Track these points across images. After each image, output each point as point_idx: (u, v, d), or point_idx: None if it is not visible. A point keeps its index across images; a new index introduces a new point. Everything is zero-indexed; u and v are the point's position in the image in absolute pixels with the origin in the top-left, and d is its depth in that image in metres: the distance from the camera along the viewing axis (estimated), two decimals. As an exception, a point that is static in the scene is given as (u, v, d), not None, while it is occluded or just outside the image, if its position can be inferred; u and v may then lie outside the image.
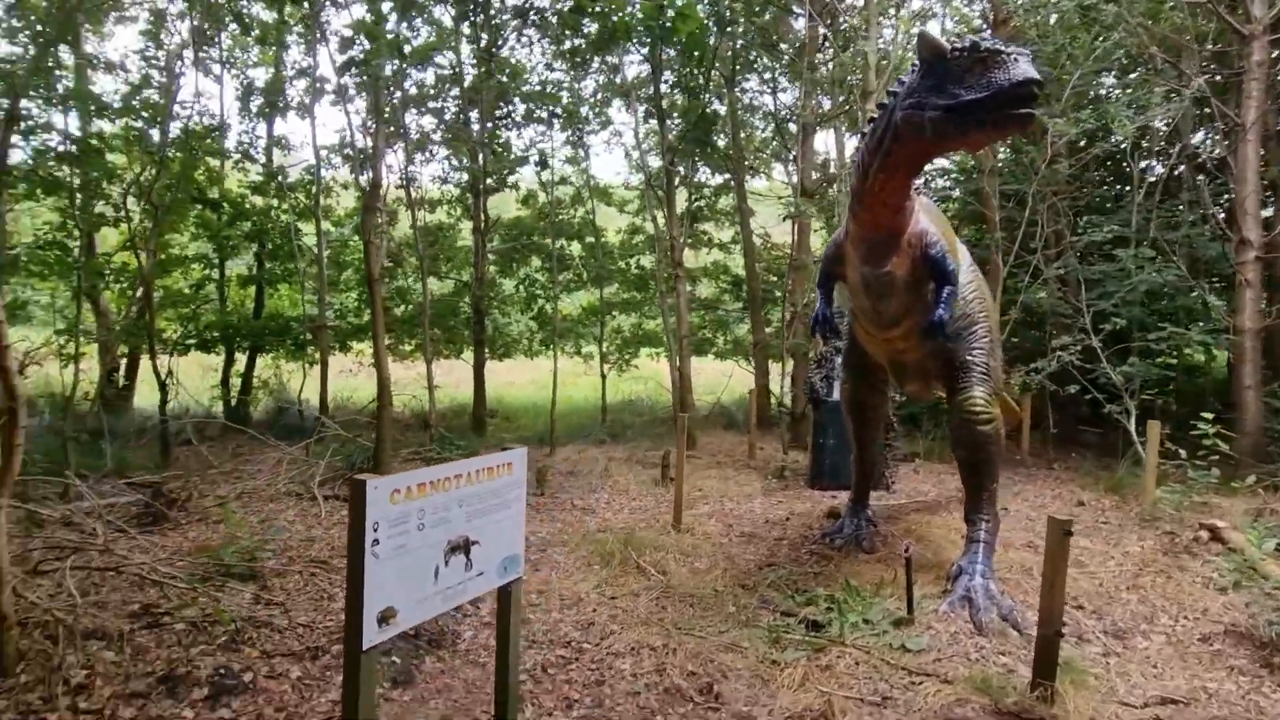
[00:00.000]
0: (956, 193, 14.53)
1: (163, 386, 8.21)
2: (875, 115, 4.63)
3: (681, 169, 13.29)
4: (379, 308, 7.59)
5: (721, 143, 13.46)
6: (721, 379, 15.09)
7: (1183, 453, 7.39)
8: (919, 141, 4.26)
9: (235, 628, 4.10)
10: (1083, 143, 10.74)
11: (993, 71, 3.86)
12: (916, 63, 4.26)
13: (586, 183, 13.11)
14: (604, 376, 12.54)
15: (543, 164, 12.05)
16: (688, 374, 11.34)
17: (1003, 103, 3.85)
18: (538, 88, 13.10)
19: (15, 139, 7.90)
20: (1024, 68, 3.83)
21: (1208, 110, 10.04)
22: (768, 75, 14.48)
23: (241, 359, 12.27)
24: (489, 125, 11.97)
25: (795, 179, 10.86)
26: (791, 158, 10.80)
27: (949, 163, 15.14)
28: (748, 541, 6.73)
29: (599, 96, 13.64)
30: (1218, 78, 10.85)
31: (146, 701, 3.48)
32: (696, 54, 10.66)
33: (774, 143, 15.14)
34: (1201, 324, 10.04)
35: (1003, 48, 3.91)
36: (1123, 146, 10.19)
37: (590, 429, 12.07)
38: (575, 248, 14.23)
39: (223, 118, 11.31)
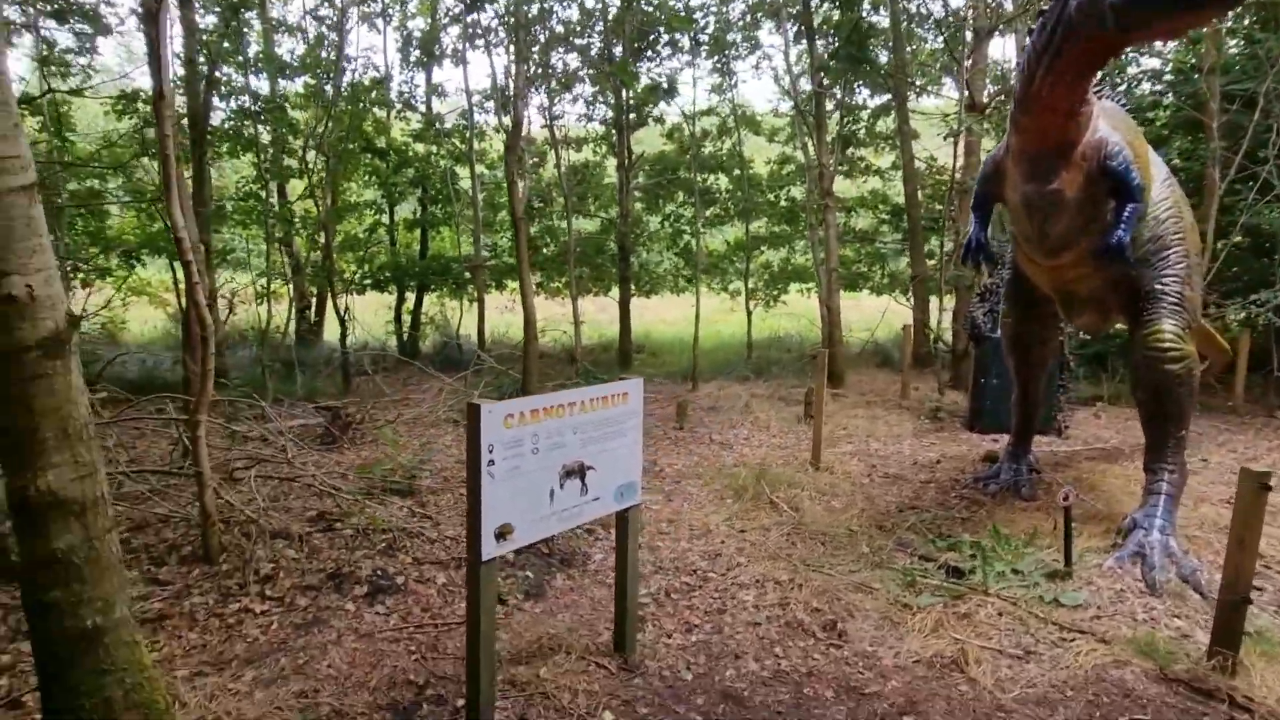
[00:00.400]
0: (1169, 98, 12.47)
1: (342, 323, 9.10)
2: (1045, 7, 4.01)
3: (836, 90, 12.43)
4: (524, 246, 7.86)
5: (882, 59, 12.39)
6: (877, 315, 14.32)
7: None
8: (1097, 35, 3.64)
9: (392, 536, 4.53)
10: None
11: None
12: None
13: (733, 112, 12.63)
14: (749, 312, 12.30)
15: (670, 92, 11.64)
16: (836, 308, 10.83)
17: None
18: (682, 13, 12.67)
19: (215, 101, 8.84)
20: None
21: None
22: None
23: (411, 297, 13.32)
24: (631, 59, 11.78)
25: (964, 92, 9.76)
26: (962, 68, 9.73)
27: (1159, 61, 13.01)
28: (891, 483, 6.43)
29: (747, 19, 12.99)
30: None
31: (318, 594, 3.97)
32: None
33: (943, 56, 13.73)
34: None
35: None
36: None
37: (735, 365, 11.97)
38: (722, 181, 13.87)
39: (386, 69, 11.99)
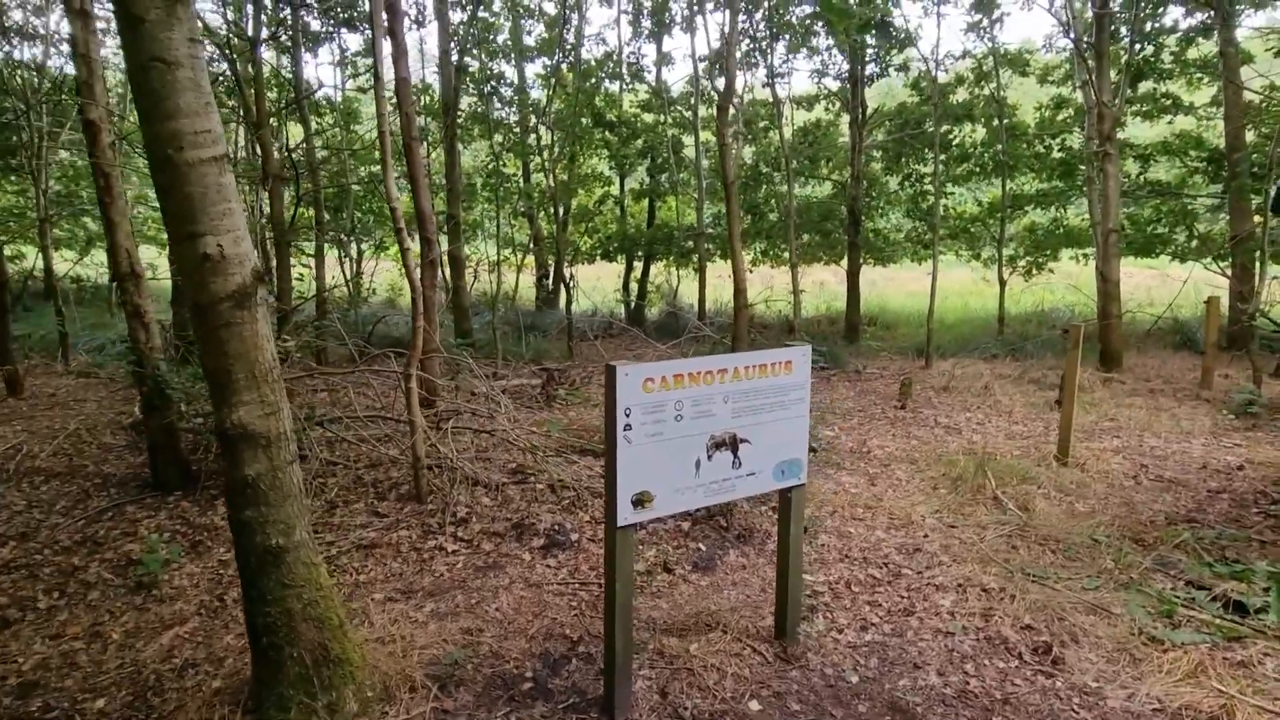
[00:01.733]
0: None
1: (567, 290, 9.62)
2: None
3: (1124, 10, 10.22)
4: (734, 212, 7.61)
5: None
6: (1178, 285, 11.79)
7: None
8: None
9: (574, 494, 4.67)
10: None
11: None
12: None
13: (991, 52, 11.03)
14: (1003, 283, 10.78)
15: (904, 39, 10.26)
16: (1114, 277, 9.03)
17: None
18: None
19: (468, 87, 9.71)
20: None
21: None
22: None
23: (639, 266, 13.71)
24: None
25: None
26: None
27: None
28: (1164, 488, 5.25)
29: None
30: None
31: (501, 540, 4.21)
32: None
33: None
34: None
35: None
36: None
37: (981, 342, 10.63)
38: (979, 133, 12.26)
39: (619, 43, 12.32)
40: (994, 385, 8.25)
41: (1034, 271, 12.05)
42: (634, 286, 13.94)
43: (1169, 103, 11.98)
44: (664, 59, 12.36)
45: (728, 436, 2.94)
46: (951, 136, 12.04)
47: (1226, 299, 9.64)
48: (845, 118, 12.10)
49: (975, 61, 11.61)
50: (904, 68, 11.46)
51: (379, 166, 10.63)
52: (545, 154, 10.41)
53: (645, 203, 13.94)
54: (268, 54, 9.67)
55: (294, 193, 8.64)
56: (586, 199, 13.39)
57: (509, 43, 10.78)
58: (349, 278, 10.25)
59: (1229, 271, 10.41)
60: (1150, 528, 4.49)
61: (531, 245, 11.83)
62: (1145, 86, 11.61)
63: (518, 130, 10.88)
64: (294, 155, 9.08)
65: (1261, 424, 6.89)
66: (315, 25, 9.42)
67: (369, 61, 10.01)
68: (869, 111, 11.68)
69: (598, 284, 12.96)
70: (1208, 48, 11.38)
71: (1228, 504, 4.92)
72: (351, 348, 6.20)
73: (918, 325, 12.50)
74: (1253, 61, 10.86)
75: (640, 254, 13.60)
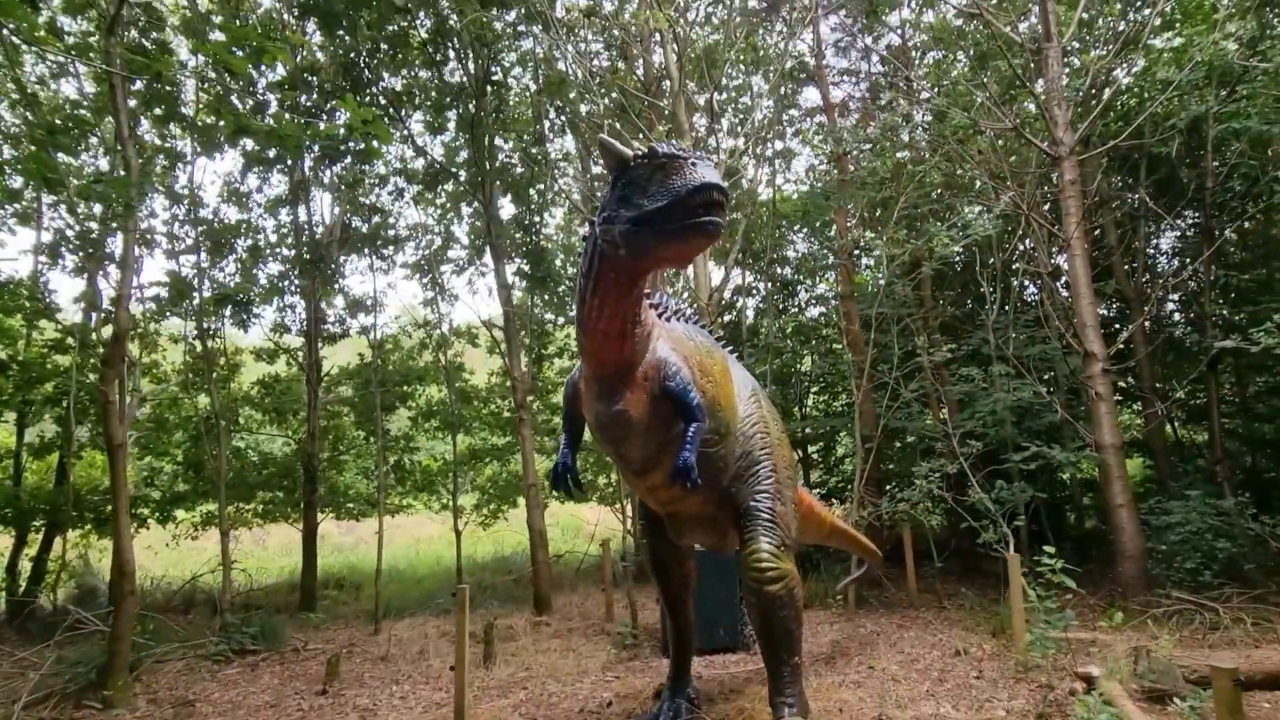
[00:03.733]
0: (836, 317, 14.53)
1: None
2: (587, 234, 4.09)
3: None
4: (119, 477, 6.48)
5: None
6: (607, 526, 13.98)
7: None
8: (620, 261, 3.68)
9: None
10: (922, 265, 10.67)
11: (672, 178, 3.39)
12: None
13: (438, 324, 12.53)
14: (458, 533, 11.32)
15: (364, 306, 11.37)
16: (538, 526, 10.23)
17: (683, 211, 3.34)
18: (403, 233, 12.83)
19: None
20: (703, 172, 3.36)
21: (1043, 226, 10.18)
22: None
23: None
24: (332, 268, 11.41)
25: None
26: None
27: (825, 288, 15.31)
28: (543, 741, 5.51)
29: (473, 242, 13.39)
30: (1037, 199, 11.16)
31: None
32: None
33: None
34: (1068, 442, 9.67)
35: (679, 152, 3.44)
36: (956, 265, 10.20)
37: (440, 594, 10.70)
38: (436, 393, 13.41)
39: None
40: (430, 648, 8.15)
41: (491, 520, 13.03)
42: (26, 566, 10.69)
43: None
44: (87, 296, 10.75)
45: None
46: (413, 393, 12.85)
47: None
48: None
49: (427, 333, 13.02)
50: (365, 330, 12.13)
51: None
52: None
53: (54, 458, 11.22)
54: None
55: None
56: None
57: None
58: None
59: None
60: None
61: None
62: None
63: None
64: None
65: (642, 651, 8.06)
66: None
67: None
68: (328, 369, 11.86)
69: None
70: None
71: (588, 749, 5.36)
72: None
73: (396, 580, 12.15)
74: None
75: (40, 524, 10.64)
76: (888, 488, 9.96)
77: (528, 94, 10.74)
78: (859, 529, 8.71)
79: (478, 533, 12.98)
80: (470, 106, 10.18)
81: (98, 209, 7.36)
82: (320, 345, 11.68)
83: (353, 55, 10.17)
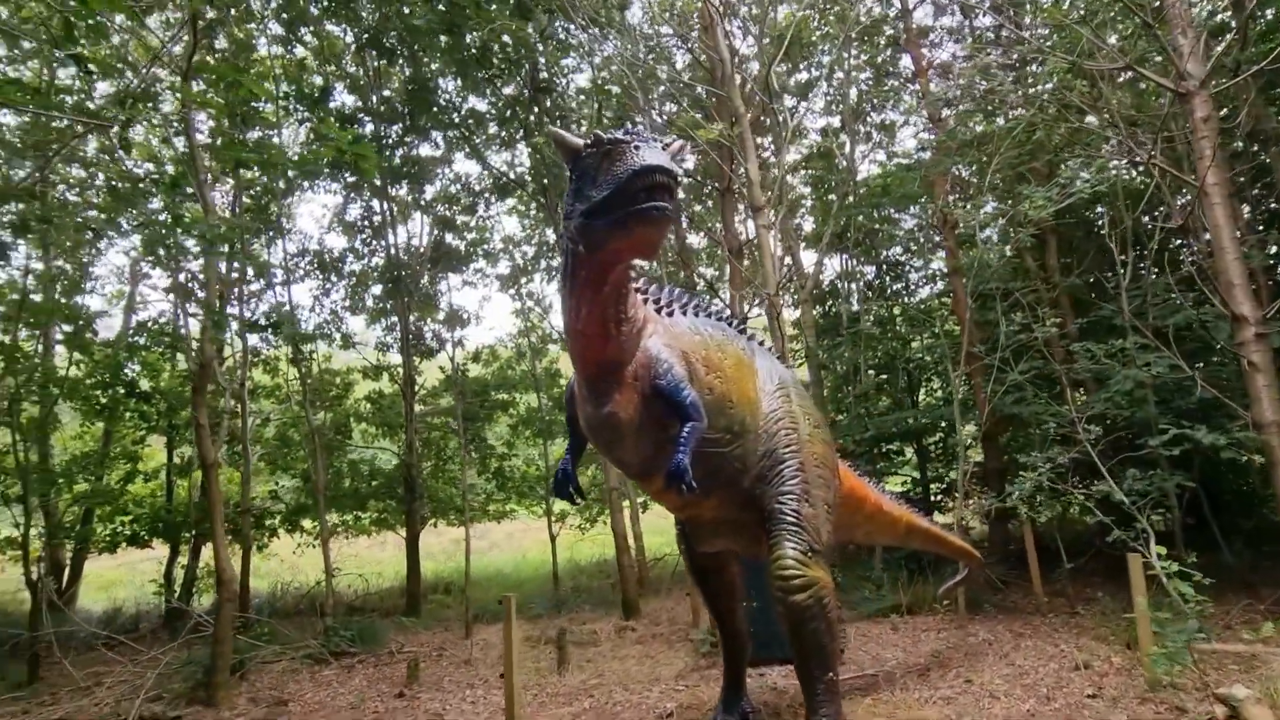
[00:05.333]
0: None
1: (34, 592, 7.83)
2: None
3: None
4: (214, 493, 7.06)
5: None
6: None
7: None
8: (585, 257, 3.49)
9: None
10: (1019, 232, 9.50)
11: (615, 165, 3.17)
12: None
13: (527, 333, 12.78)
14: (553, 537, 11.43)
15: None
16: (623, 530, 10.11)
17: (624, 198, 3.11)
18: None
19: None
20: (645, 154, 3.10)
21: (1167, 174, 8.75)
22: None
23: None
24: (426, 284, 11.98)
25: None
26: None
27: (939, 264, 14.16)
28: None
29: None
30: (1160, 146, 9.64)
31: None
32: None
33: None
34: (1227, 422, 8.25)
35: (624, 136, 3.21)
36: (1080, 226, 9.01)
37: (535, 600, 10.86)
38: (535, 400, 13.69)
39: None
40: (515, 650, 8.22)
41: (589, 525, 13.08)
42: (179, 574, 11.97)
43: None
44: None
45: None
46: (514, 402, 13.18)
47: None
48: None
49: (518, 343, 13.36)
50: (458, 343, 12.60)
51: None
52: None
53: (197, 475, 12.51)
54: None
55: None
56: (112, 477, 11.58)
57: None
58: None
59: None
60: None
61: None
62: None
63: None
64: None
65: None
66: None
67: None
68: (426, 383, 12.44)
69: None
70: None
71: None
72: None
73: (503, 585, 12.50)
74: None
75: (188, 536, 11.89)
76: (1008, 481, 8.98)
77: (580, 96, 10.70)
78: (964, 529, 7.90)
79: (580, 536, 13.09)
80: (529, 114, 10.31)
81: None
82: (418, 360, 12.23)
83: (427, 81, 10.60)
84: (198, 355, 7.35)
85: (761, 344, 5.09)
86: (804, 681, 4.28)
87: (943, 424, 13.33)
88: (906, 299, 14.55)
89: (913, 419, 12.74)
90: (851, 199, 12.58)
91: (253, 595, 11.09)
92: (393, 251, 11.70)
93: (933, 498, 13.32)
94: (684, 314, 4.42)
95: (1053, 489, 8.60)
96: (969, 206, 8.89)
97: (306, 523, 12.55)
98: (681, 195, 13.75)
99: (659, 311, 4.20)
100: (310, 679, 7.84)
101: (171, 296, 10.84)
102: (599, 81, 9.85)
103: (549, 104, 10.06)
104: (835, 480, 4.84)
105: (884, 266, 15.03)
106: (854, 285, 14.75)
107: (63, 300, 9.67)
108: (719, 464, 4.23)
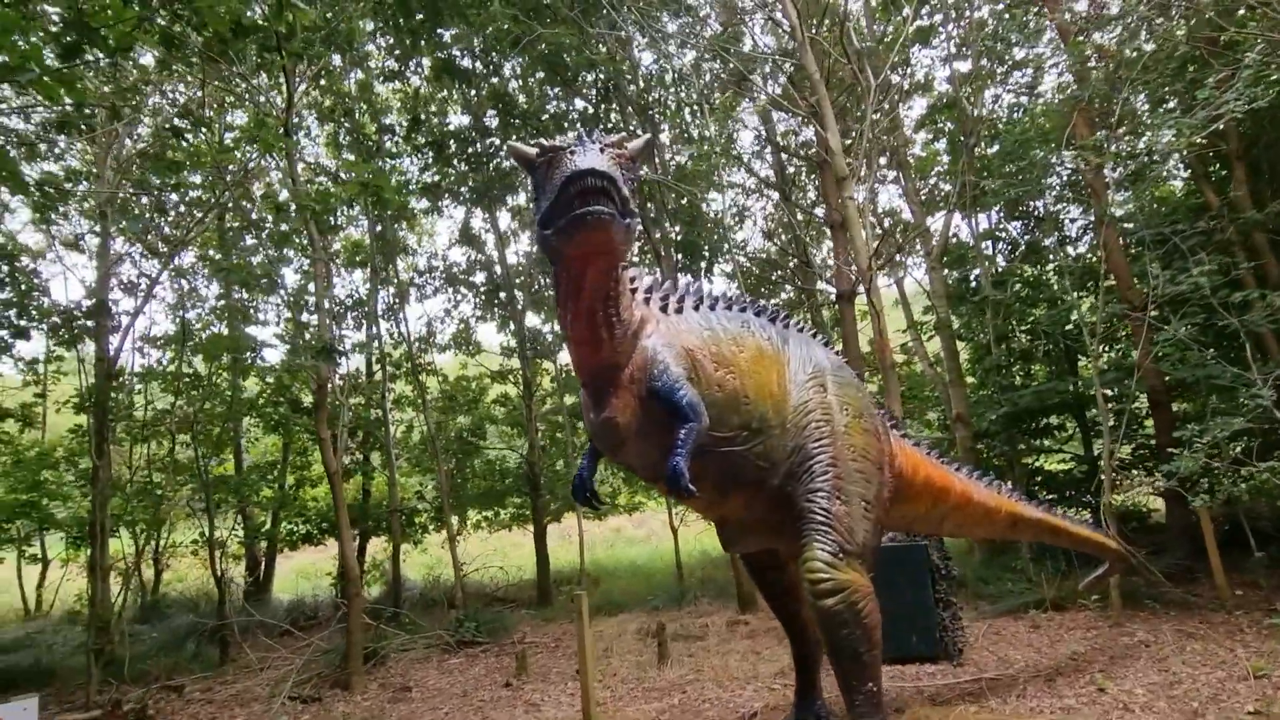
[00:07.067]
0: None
1: (220, 586, 9.17)
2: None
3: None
4: (339, 498, 7.81)
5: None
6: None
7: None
8: (554, 265, 3.49)
9: None
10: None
11: (554, 173, 3.14)
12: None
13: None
14: (674, 529, 11.44)
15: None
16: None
17: (562, 205, 3.07)
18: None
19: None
20: (577, 160, 3.03)
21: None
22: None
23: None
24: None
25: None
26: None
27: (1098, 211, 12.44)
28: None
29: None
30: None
31: None
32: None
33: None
34: None
35: (560, 143, 3.17)
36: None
37: (657, 590, 10.96)
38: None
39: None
40: (616, 646, 8.37)
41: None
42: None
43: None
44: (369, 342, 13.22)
45: None
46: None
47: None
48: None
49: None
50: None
51: None
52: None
53: (358, 478, 13.94)
54: None
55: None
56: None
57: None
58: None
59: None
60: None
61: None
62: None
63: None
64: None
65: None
66: None
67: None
68: (540, 383, 12.94)
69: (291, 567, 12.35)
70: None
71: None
72: None
73: (634, 578, 12.73)
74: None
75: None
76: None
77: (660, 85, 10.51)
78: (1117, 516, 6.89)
79: (706, 527, 13.00)
80: (610, 109, 10.34)
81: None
82: (539, 361, 12.75)
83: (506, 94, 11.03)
84: (315, 377, 8.17)
85: (802, 330, 4.76)
86: (843, 691, 3.97)
87: (1111, 392, 11.73)
88: (1057, 256, 12.92)
89: (1070, 388, 11.33)
90: (981, 148, 11.37)
91: (406, 587, 12.15)
92: (496, 264, 12.32)
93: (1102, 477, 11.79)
94: (696, 309, 4.23)
95: (1237, 464, 7.30)
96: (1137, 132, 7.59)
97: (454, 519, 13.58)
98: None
99: (664, 310, 4.06)
100: (436, 667, 8.46)
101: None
102: (668, 68, 9.68)
103: (627, 98, 10.04)
104: (881, 474, 4.41)
105: (1033, 220, 13.45)
106: (996, 246, 13.35)
107: (232, 334, 11.15)
108: (737, 463, 4.02)
